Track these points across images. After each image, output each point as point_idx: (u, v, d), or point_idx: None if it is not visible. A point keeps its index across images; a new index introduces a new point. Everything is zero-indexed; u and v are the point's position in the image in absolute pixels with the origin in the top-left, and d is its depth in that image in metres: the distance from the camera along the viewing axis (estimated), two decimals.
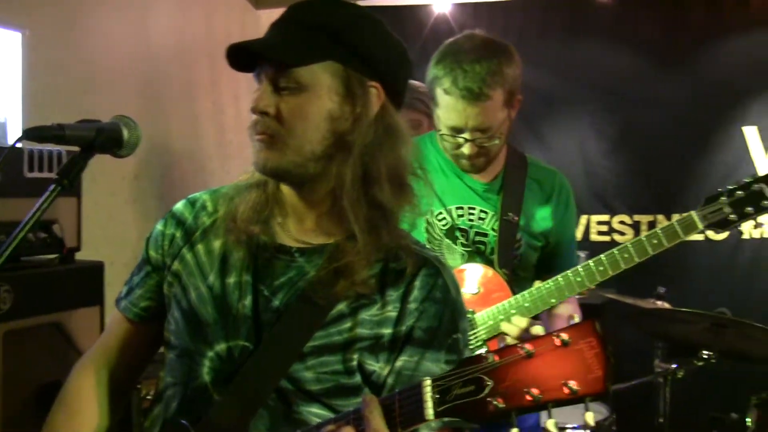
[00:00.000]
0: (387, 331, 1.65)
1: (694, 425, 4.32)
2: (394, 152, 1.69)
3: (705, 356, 3.79)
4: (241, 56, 1.65)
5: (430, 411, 1.39)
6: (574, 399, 1.32)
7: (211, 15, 5.19)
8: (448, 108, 2.68)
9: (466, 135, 2.70)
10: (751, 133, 5.56)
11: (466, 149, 2.72)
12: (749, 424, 3.71)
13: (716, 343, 3.77)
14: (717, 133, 5.62)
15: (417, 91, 3.39)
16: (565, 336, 1.33)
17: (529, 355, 1.33)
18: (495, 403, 1.33)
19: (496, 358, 1.35)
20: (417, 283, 1.68)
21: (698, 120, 5.62)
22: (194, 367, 1.70)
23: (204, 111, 5.03)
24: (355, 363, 1.64)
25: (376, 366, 1.64)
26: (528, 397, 1.32)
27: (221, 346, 1.68)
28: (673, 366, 4.03)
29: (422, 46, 5.26)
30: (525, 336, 2.63)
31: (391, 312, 1.66)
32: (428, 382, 1.41)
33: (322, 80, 1.63)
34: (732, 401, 4.09)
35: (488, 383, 1.34)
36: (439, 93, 2.69)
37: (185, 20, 4.95)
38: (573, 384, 1.30)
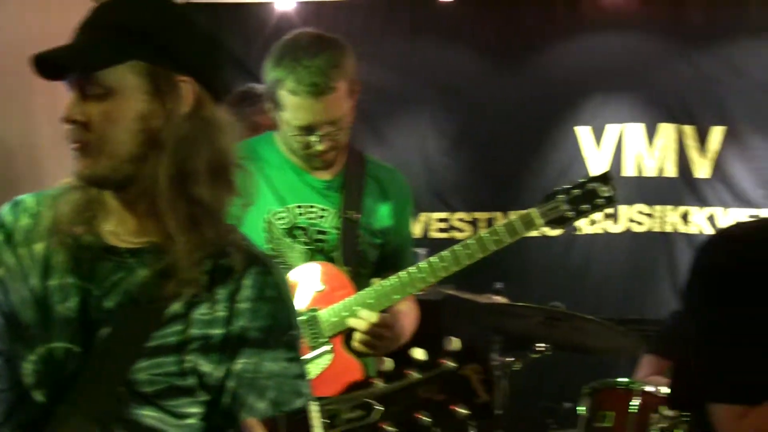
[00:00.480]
0: (217, 331, 1.62)
1: (530, 416, 4.46)
2: (214, 145, 1.64)
3: (540, 349, 3.92)
4: (49, 65, 1.59)
5: None
6: (463, 423, 1.33)
7: (48, 6, 5.00)
8: (296, 108, 2.67)
9: (319, 131, 2.69)
10: (583, 133, 5.79)
11: (319, 146, 2.71)
12: (582, 412, 3.83)
13: (551, 335, 3.90)
14: (552, 132, 5.81)
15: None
16: (451, 363, 1.34)
17: (417, 381, 1.33)
18: (386, 427, 1.33)
19: (384, 383, 1.35)
20: (246, 281, 1.65)
21: (534, 120, 5.80)
22: (17, 371, 1.63)
23: (40, 108, 4.84)
24: (189, 365, 1.60)
25: (209, 367, 1.61)
26: (419, 424, 1.33)
27: (41, 349, 1.62)
28: (510, 359, 4.14)
29: (264, 45, 5.19)
30: (374, 329, 2.66)
31: (221, 312, 1.63)
32: (314, 407, 1.39)
33: (128, 81, 1.59)
34: (566, 391, 4.24)
35: (378, 408, 1.33)
36: (284, 94, 2.67)
37: (20, 12, 4.74)
38: (461, 408, 1.32)
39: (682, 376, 1.89)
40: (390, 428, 1.34)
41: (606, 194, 2.92)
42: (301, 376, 1.65)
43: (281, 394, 1.61)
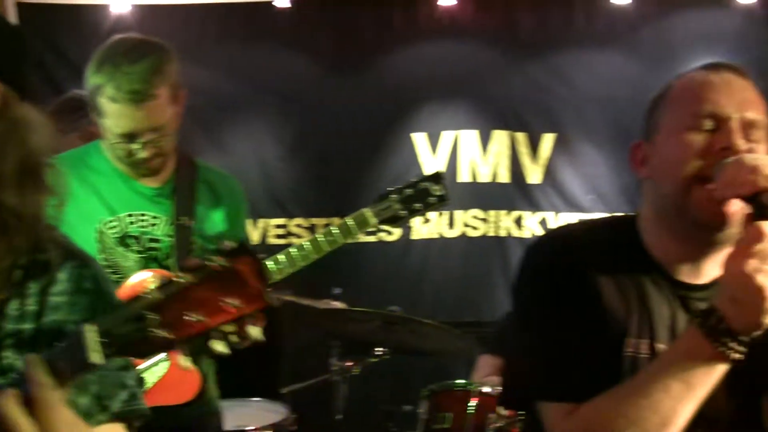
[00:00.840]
0: (27, 326, 1.57)
1: (371, 419, 4.47)
2: (23, 147, 1.57)
3: (378, 352, 3.93)
4: None
5: (95, 355, 1.37)
6: (240, 317, 1.35)
7: None
8: (117, 115, 2.61)
9: (141, 139, 2.63)
10: (419, 139, 5.85)
11: (142, 153, 2.66)
12: (422, 414, 3.87)
13: (389, 339, 3.92)
14: (388, 138, 5.85)
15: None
16: (221, 260, 1.35)
17: (190, 284, 1.34)
18: (162, 335, 1.33)
19: (157, 293, 1.35)
20: (62, 275, 1.61)
21: (371, 126, 5.82)
22: None
23: None
24: (6, 362, 1.55)
25: (22, 363, 1.54)
26: (194, 324, 1.33)
27: None
28: (349, 363, 4.14)
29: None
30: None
31: (31, 306, 1.58)
32: (90, 327, 1.37)
33: None
34: (405, 394, 4.27)
35: (153, 317, 1.33)
36: (104, 102, 2.60)
37: None
38: (234, 301, 1.34)
39: (512, 375, 1.92)
40: (168, 335, 1.34)
41: (438, 193, 2.99)
42: (125, 367, 1.62)
43: (104, 387, 1.57)
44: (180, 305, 1.35)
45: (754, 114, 1.75)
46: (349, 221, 2.90)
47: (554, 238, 1.98)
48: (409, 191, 2.97)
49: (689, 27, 5.81)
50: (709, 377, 1.61)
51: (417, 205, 2.96)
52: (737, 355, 1.58)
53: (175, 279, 1.36)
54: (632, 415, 1.64)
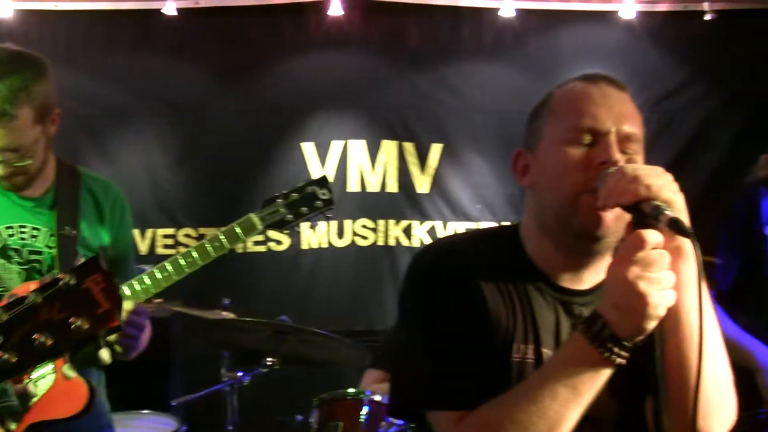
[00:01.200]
0: None
1: (262, 430, 4.44)
2: None
3: (269, 362, 3.92)
4: None
5: None
6: (88, 337, 1.30)
7: None
8: None
9: None
10: (308, 149, 5.84)
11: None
12: (313, 425, 3.86)
13: (279, 349, 3.91)
14: (278, 148, 5.83)
15: None
16: (69, 278, 1.30)
17: (35, 304, 1.29)
18: (6, 359, 1.28)
19: (2, 313, 1.29)
20: None
21: (260, 135, 5.81)
22: None
23: None
24: None
25: None
26: (40, 346, 1.28)
27: None
28: (239, 374, 4.11)
29: None
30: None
31: None
32: None
33: None
34: (297, 404, 4.26)
35: None
36: None
37: None
38: (82, 323, 1.29)
39: (400, 385, 1.93)
40: (12, 360, 1.29)
41: (324, 197, 3.02)
42: None
43: None
44: (26, 326, 1.28)
45: (630, 127, 1.80)
46: (236, 227, 2.90)
47: (438, 247, 2.01)
48: (295, 196, 3.00)
49: (574, 40, 5.98)
50: (595, 382, 1.64)
51: (303, 209, 2.99)
52: (621, 360, 1.62)
53: (22, 297, 1.30)
54: (521, 421, 1.66)
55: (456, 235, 2.10)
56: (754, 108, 6.01)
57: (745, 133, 5.97)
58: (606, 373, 1.64)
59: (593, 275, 1.85)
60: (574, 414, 1.65)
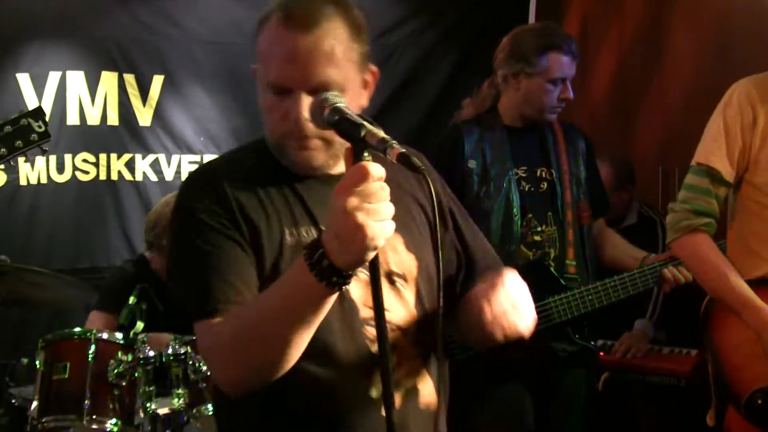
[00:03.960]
0: None
1: None
2: None
3: None
4: None
5: None
6: None
7: None
8: None
9: None
10: (23, 80, 5.56)
11: None
12: (39, 366, 3.79)
13: None
14: None
15: None
16: None
17: None
18: None
19: None
20: None
21: None
22: None
23: None
24: None
25: None
26: None
27: None
28: None
29: None
30: None
31: None
32: None
33: None
34: (23, 347, 4.17)
35: None
36: None
37: None
38: None
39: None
40: None
41: (39, 129, 2.92)
42: None
43: None
44: None
45: (322, 76, 1.86)
46: None
47: (196, 173, 2.07)
48: (8, 128, 2.87)
49: None
50: (316, 306, 1.70)
51: (18, 143, 2.88)
52: (339, 288, 1.67)
53: None
54: (250, 338, 1.76)
55: (213, 159, 2.17)
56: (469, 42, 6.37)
57: (461, 66, 6.34)
58: (329, 300, 1.70)
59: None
60: (303, 336, 1.74)
